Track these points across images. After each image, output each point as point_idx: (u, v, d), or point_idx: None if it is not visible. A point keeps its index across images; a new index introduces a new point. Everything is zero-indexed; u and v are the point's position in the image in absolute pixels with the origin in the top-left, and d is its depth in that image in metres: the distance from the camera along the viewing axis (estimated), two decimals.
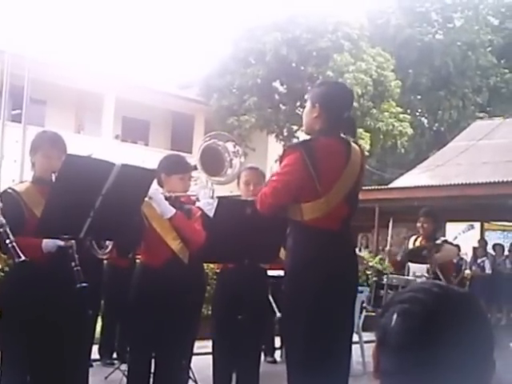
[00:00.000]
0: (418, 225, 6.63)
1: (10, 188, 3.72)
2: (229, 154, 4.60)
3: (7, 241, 3.26)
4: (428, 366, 1.17)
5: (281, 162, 3.51)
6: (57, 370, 3.64)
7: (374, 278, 9.46)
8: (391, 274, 7.00)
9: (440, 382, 1.16)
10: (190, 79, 25.42)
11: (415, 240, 6.78)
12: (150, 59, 40.38)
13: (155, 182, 4.03)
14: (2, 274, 6.20)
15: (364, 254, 14.44)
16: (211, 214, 3.97)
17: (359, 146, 3.75)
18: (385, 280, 6.86)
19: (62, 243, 3.45)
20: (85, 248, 3.65)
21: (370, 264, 11.13)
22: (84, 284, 3.38)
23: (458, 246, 10.50)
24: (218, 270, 5.36)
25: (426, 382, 1.16)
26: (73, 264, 3.41)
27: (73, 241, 3.45)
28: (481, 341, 1.20)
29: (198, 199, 4.36)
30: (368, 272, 10.71)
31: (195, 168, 4.48)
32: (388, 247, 7.41)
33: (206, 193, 4.36)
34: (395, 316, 1.22)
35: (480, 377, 1.19)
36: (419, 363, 1.17)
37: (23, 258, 3.22)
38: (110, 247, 4.70)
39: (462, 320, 1.20)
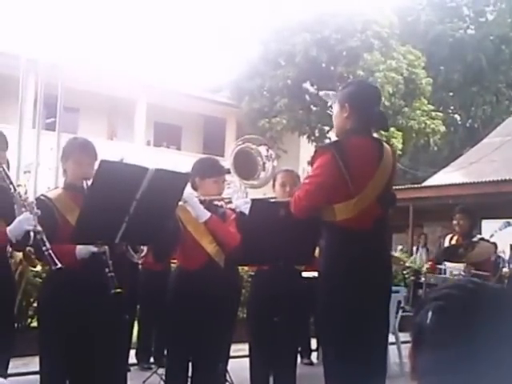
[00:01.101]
0: (454, 222, 6.57)
1: (42, 195, 3.78)
2: (262, 158, 4.61)
3: (43, 248, 3.31)
4: (466, 363, 1.15)
5: (312, 164, 3.50)
6: (95, 375, 3.67)
7: (412, 278, 9.38)
8: (428, 273, 6.94)
9: (479, 379, 1.14)
10: (220, 83, 25.53)
11: (451, 238, 6.72)
12: (181, 64, 40.66)
13: (189, 185, 4.05)
14: (40, 279, 6.29)
15: (399, 253, 14.32)
16: (247, 212, 3.98)
17: (391, 145, 3.74)
18: (422, 279, 6.80)
19: (95, 249, 3.48)
20: (120, 253, 3.68)
21: (407, 264, 11.03)
22: (118, 290, 3.41)
23: (494, 244, 10.35)
24: (252, 273, 5.37)
25: (465, 380, 1.15)
26: (106, 270, 3.44)
27: (106, 246, 3.48)
28: None
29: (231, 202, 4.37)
30: (405, 272, 10.61)
31: (228, 171, 4.49)
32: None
33: (239, 196, 4.37)
34: (430, 313, 1.21)
35: None
36: (457, 360, 1.16)
37: (59, 265, 3.26)
38: (145, 251, 4.74)
39: (497, 315, 1.18)
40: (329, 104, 3.89)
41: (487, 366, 1.15)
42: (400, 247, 15.57)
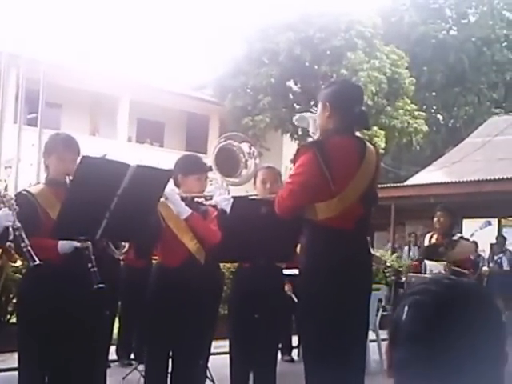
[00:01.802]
0: (435, 219, 6.61)
1: (24, 190, 3.76)
2: (244, 155, 4.61)
3: (22, 244, 3.30)
4: (440, 356, 1.17)
5: (294, 163, 3.51)
6: (74, 371, 3.66)
7: (393, 277, 9.45)
8: (409, 272, 7.00)
9: (452, 371, 1.16)
10: (203, 80, 25.50)
11: (431, 237, 6.76)
12: (164, 61, 40.55)
13: (171, 182, 4.05)
14: (20, 275, 6.24)
15: (381, 252, 14.39)
16: (228, 210, 3.98)
17: (374, 145, 3.75)
18: (403, 279, 6.85)
19: (78, 244, 3.48)
20: (101, 248, 3.67)
21: (388, 264, 11.09)
22: (101, 285, 3.40)
23: (475, 243, 10.44)
24: (233, 270, 5.37)
25: (438, 372, 1.17)
26: (89, 265, 3.43)
27: (89, 242, 3.47)
28: (492, 330, 1.21)
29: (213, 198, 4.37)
30: (386, 271, 10.68)
31: (211, 169, 4.49)
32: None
33: (221, 193, 4.37)
34: (406, 308, 1.23)
35: (492, 366, 1.19)
36: (431, 353, 1.17)
37: (38, 262, 3.25)
38: (126, 247, 4.73)
39: (472, 309, 1.20)
40: (303, 126, 3.89)
41: (460, 358, 1.16)
42: (389, 245, 15.63)
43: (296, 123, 3.98)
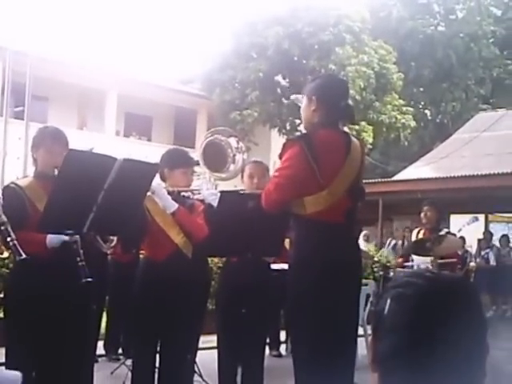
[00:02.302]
0: (422, 215, 6.65)
1: (12, 183, 3.74)
2: (232, 150, 4.60)
3: (8, 238, 3.27)
4: (422, 348, 1.18)
5: (281, 157, 3.50)
6: (62, 366, 3.64)
7: (381, 273, 9.48)
8: (397, 267, 7.02)
9: (435, 362, 1.17)
10: (192, 74, 25.41)
11: (418, 232, 6.79)
12: (152, 55, 40.41)
13: (158, 176, 4.02)
14: (7, 270, 6.21)
15: (369, 246, 14.42)
16: (215, 204, 3.97)
17: (359, 139, 3.76)
18: (391, 274, 6.87)
19: (66, 238, 3.45)
20: (88, 242, 3.65)
21: (376, 258, 11.12)
22: (89, 279, 3.38)
23: (462, 238, 10.49)
24: (221, 265, 5.36)
25: (420, 363, 1.17)
26: (78, 259, 3.41)
27: (77, 236, 3.45)
28: (473, 322, 1.22)
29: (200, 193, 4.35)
30: (374, 266, 10.70)
31: (198, 163, 4.47)
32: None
33: (209, 188, 4.35)
34: (389, 301, 1.24)
35: (474, 358, 1.21)
36: (414, 345, 1.18)
37: (24, 256, 3.22)
38: (114, 241, 4.71)
39: (454, 301, 1.21)
40: (299, 106, 3.88)
41: (443, 350, 1.17)
42: (391, 241, 15.59)
43: (294, 101, 3.96)
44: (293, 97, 3.98)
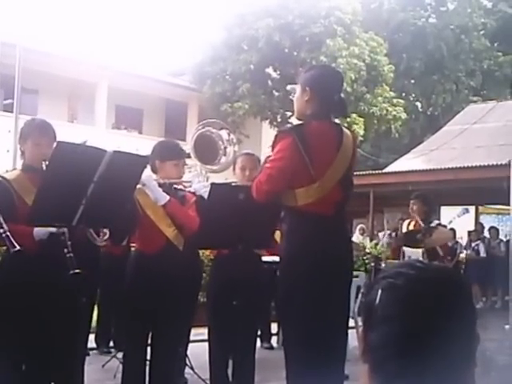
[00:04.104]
0: (410, 207, 6.69)
1: (0, 176, 3.71)
2: (223, 142, 4.59)
3: (1, 230, 3.24)
4: (413, 338, 1.18)
5: (273, 148, 3.50)
6: (52, 359, 3.63)
7: (372, 264, 9.50)
8: (388, 259, 7.04)
9: (426, 352, 1.17)
10: (182, 66, 25.33)
11: (408, 224, 6.81)
12: (142, 47, 40.25)
13: (149, 168, 4.01)
14: None
15: (361, 238, 14.44)
16: (206, 196, 3.96)
17: (351, 131, 3.75)
18: (383, 265, 6.88)
19: (53, 230, 3.43)
20: (79, 235, 3.63)
21: (367, 250, 11.15)
22: (77, 270, 3.36)
23: (453, 230, 10.51)
24: (212, 257, 5.36)
25: (411, 354, 1.18)
26: (65, 250, 3.39)
27: (65, 228, 3.43)
28: (463, 312, 1.22)
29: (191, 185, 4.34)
30: (365, 258, 10.72)
31: (189, 155, 4.46)
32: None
33: (200, 180, 4.35)
34: (380, 291, 1.24)
35: (465, 348, 1.21)
36: (405, 335, 1.18)
37: (18, 247, 3.20)
38: (107, 234, 4.69)
39: (444, 291, 1.22)
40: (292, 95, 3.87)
41: (434, 340, 1.18)
42: (385, 233, 15.56)
43: (290, 90, 3.95)
44: (289, 87, 3.98)
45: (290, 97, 3.71)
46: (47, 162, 3.37)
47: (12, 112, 12.67)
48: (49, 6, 36.40)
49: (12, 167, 10.53)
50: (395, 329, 1.19)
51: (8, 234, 3.23)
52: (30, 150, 3.70)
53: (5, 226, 3.25)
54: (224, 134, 4.60)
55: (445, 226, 6.91)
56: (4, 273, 3.68)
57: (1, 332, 3.63)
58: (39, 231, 3.46)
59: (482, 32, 29.81)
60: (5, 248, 3.40)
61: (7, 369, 3.59)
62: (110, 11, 46.81)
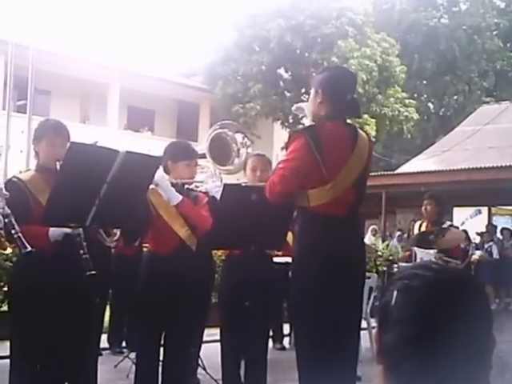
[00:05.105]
0: (422, 208, 6.67)
1: (14, 177, 3.73)
2: (236, 144, 4.61)
3: (13, 231, 3.26)
4: (429, 340, 1.18)
5: (287, 148, 3.50)
6: (66, 359, 3.65)
7: (384, 268, 9.46)
8: (400, 261, 7.03)
9: (442, 354, 1.17)
10: (194, 67, 25.40)
11: (420, 225, 6.79)
12: (154, 48, 40.34)
13: (161, 169, 4.02)
14: (11, 263, 6.21)
15: (373, 239, 14.41)
16: (218, 197, 3.97)
17: (366, 132, 3.74)
18: (395, 269, 6.88)
19: (68, 231, 3.45)
20: (91, 235, 3.65)
21: (380, 253, 11.11)
22: (93, 272, 3.38)
23: (465, 231, 10.47)
24: (224, 258, 5.36)
25: (427, 355, 1.17)
26: (81, 252, 3.41)
27: (80, 228, 3.44)
28: (479, 314, 1.22)
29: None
30: (377, 260, 10.69)
31: (202, 156, 4.47)
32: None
33: (214, 181, 4.35)
34: (395, 293, 1.24)
35: (481, 350, 1.20)
36: (420, 337, 1.18)
37: (29, 248, 3.22)
38: (118, 235, 4.70)
39: (460, 293, 1.21)
40: (300, 116, 3.88)
41: (450, 342, 1.17)
42: (398, 233, 15.55)
43: (294, 111, 3.96)
44: (293, 108, 3.98)
45: (302, 97, 3.70)
46: (60, 163, 3.39)
47: (25, 113, 12.74)
48: (61, 8, 36.56)
49: (25, 167, 10.60)
50: (411, 330, 1.19)
51: (20, 234, 3.24)
52: (45, 151, 3.71)
53: (17, 226, 3.26)
54: (238, 136, 4.62)
55: (457, 228, 6.89)
56: (19, 273, 3.70)
57: (16, 332, 3.65)
58: (54, 232, 3.48)
59: (494, 32, 29.66)
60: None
61: (22, 368, 3.62)
62: (122, 13, 46.95)
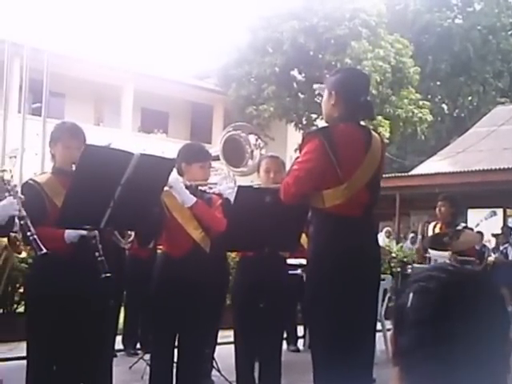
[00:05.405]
0: (437, 209, 6.64)
1: (31, 179, 3.75)
2: (250, 146, 4.61)
3: (28, 233, 3.29)
4: (445, 342, 1.17)
5: (301, 150, 3.50)
6: (81, 360, 3.67)
7: (398, 269, 9.45)
8: (414, 263, 7.00)
9: (458, 357, 1.16)
10: (208, 69, 25.45)
11: (434, 226, 6.76)
12: (168, 50, 40.48)
13: (175, 171, 4.03)
14: (26, 265, 6.25)
15: (387, 241, 14.36)
16: (232, 198, 3.97)
17: (379, 134, 3.74)
18: (409, 270, 6.85)
19: (84, 233, 3.47)
20: (106, 238, 3.66)
21: (394, 255, 11.07)
22: (108, 274, 3.40)
23: (480, 233, 10.40)
24: (238, 260, 5.36)
25: (443, 358, 1.17)
26: (96, 254, 3.43)
27: (96, 231, 3.46)
28: (496, 317, 1.21)
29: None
30: (391, 261, 10.65)
31: (216, 158, 4.47)
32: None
33: (228, 183, 4.36)
34: (411, 295, 1.23)
35: (498, 353, 1.20)
36: (436, 339, 1.18)
37: (44, 250, 3.24)
38: (132, 236, 4.71)
39: (476, 295, 1.21)
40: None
41: (466, 344, 1.17)
42: (411, 235, 15.47)
43: (317, 90, 3.94)
44: (315, 86, 3.97)
45: (316, 99, 3.70)
46: (75, 165, 3.40)
47: (40, 115, 12.82)
48: (75, 11, 36.77)
49: (40, 170, 10.66)
50: (427, 332, 1.18)
51: (35, 237, 3.27)
52: (61, 153, 3.73)
53: (32, 229, 3.29)
54: (252, 138, 4.63)
55: (471, 229, 6.85)
56: (35, 276, 3.72)
57: (33, 333, 3.68)
58: (70, 234, 3.50)
59: (510, 32, 29.49)
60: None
61: (38, 369, 3.64)
62: (135, 15, 47.20)
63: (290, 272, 4.84)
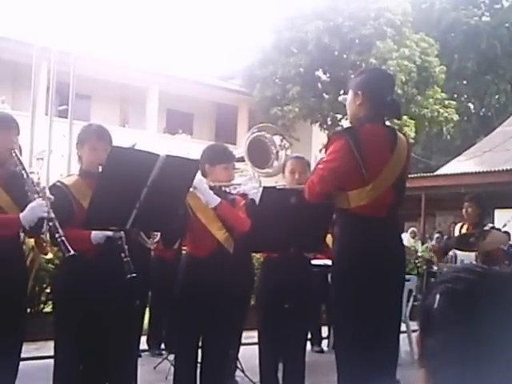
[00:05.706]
0: (463, 210, 6.59)
1: (58, 181, 3.79)
2: (275, 147, 4.62)
3: (56, 235, 3.33)
4: (473, 344, 1.16)
5: (326, 150, 3.50)
6: (107, 360, 3.70)
7: (424, 267, 9.37)
8: (440, 262, 6.95)
9: (485, 359, 1.15)
10: (232, 70, 25.49)
11: (461, 227, 6.71)
12: (193, 51, 40.64)
13: (199, 172, 4.04)
14: (53, 265, 6.33)
15: (412, 242, 14.26)
16: (257, 198, 3.98)
17: (404, 134, 3.73)
18: (435, 268, 6.79)
19: (110, 234, 3.49)
20: (132, 238, 3.69)
21: (419, 254, 11.01)
22: (134, 274, 3.43)
23: (507, 234, 10.27)
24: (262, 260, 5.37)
25: (471, 360, 1.16)
26: (122, 255, 3.46)
27: (122, 232, 3.49)
28: None
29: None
30: (417, 261, 10.59)
31: (241, 159, 4.48)
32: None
33: (253, 184, 4.36)
34: (438, 296, 1.22)
35: None
36: (464, 341, 1.17)
37: (72, 252, 3.28)
38: (158, 237, 4.74)
39: (504, 297, 1.19)
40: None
41: (493, 347, 1.15)
42: (436, 235, 15.37)
43: (342, 101, 3.95)
44: (340, 98, 3.98)
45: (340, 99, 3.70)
46: (102, 167, 3.43)
47: (66, 117, 12.94)
48: (101, 14, 37.10)
49: (66, 172, 10.78)
50: (454, 334, 1.17)
51: (63, 238, 3.30)
52: (87, 155, 3.76)
53: (60, 230, 3.33)
54: (277, 139, 4.63)
55: (498, 230, 6.78)
56: (63, 276, 3.76)
57: (61, 333, 3.72)
58: (97, 235, 3.53)
59: None
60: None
61: (66, 368, 3.68)
62: (160, 17, 47.46)
63: (314, 270, 4.84)
